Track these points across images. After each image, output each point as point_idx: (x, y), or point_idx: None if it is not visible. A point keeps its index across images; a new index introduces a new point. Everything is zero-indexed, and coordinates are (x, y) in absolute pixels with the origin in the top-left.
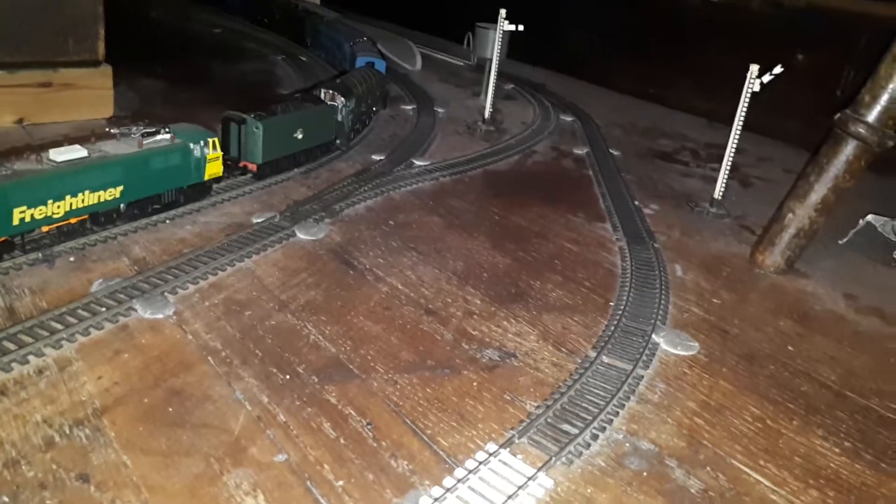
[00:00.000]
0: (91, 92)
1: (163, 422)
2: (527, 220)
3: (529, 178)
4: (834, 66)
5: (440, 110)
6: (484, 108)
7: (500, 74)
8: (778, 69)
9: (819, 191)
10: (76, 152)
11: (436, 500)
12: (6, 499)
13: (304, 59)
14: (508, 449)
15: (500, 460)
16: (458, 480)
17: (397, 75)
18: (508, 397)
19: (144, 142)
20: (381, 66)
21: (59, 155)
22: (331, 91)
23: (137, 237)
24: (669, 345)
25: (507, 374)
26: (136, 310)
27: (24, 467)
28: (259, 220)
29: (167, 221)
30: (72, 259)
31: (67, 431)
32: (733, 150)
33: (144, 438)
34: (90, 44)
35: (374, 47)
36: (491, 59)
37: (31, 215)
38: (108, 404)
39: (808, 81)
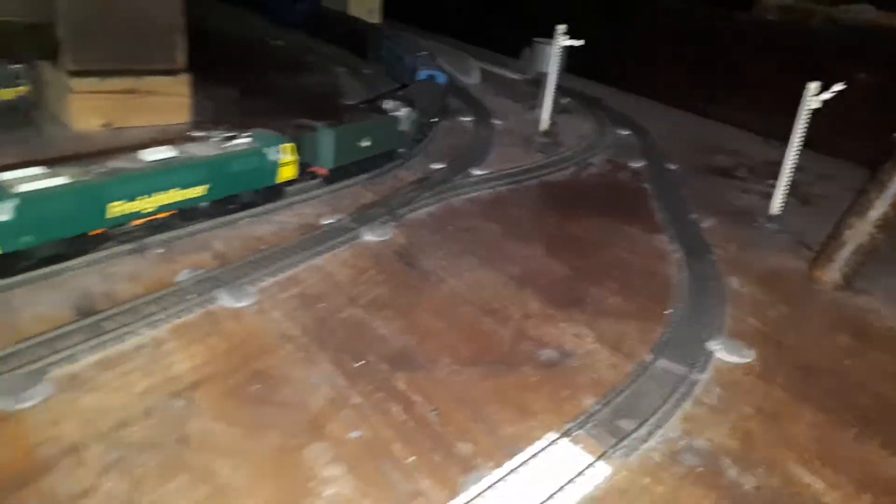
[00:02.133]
0: (171, 99)
1: (247, 399)
2: (583, 229)
3: (585, 189)
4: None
5: (497, 122)
6: (541, 120)
7: (556, 88)
8: (839, 86)
9: (879, 207)
10: (166, 153)
11: (498, 480)
12: (116, 454)
13: (366, 71)
14: (568, 438)
15: (559, 448)
16: (520, 464)
17: (456, 88)
18: (566, 394)
19: (226, 145)
20: (441, 79)
21: (151, 155)
22: (395, 102)
23: (219, 233)
24: (725, 353)
25: (565, 372)
26: (220, 298)
27: (130, 429)
28: (329, 222)
29: (245, 220)
30: (161, 250)
31: (165, 402)
32: (791, 166)
33: (232, 412)
34: (172, 54)
35: (434, 61)
36: (548, 73)
37: (125, 210)
38: (199, 380)
39: (869, 99)
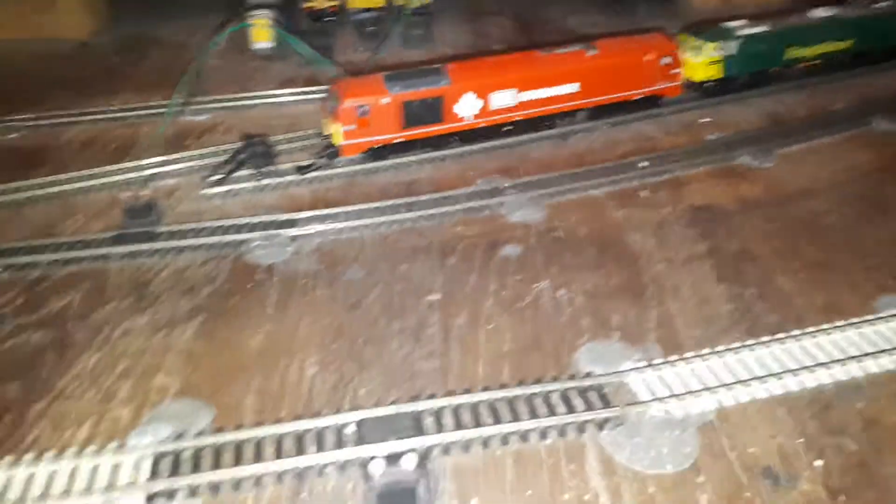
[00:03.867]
0: None
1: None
2: None
3: None
4: None
5: None
6: None
7: None
8: None
9: None
10: (827, 12)
11: None
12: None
13: None
14: None
15: None
16: None
17: None
18: None
19: (872, 7)
20: None
21: (817, 13)
22: None
23: (854, 81)
24: None
25: None
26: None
27: (812, 201)
28: None
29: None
30: (806, 93)
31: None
32: None
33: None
34: None
35: None
36: None
37: (795, 54)
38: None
39: None
